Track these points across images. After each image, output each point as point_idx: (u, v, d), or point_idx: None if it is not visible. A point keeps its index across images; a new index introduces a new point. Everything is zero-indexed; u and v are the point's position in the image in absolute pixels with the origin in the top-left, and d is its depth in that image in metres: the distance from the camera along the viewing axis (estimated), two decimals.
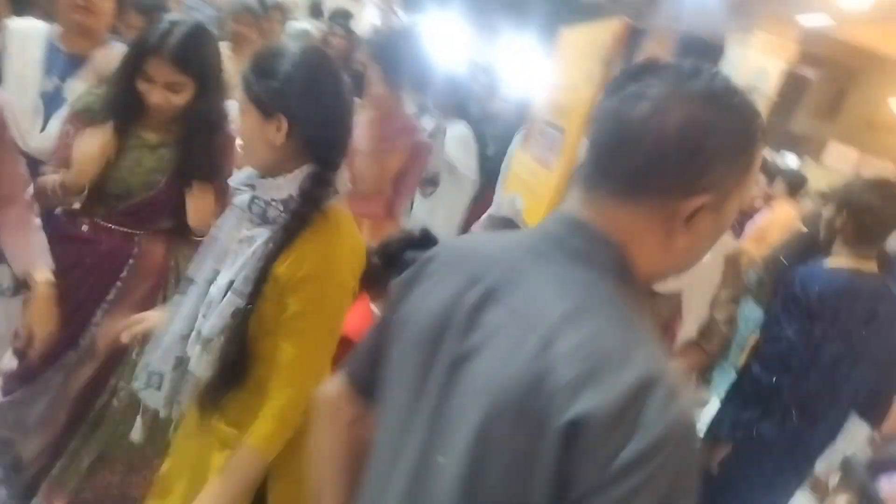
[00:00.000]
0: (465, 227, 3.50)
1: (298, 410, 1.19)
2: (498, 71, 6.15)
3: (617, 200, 0.79)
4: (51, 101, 2.15)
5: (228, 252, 1.29)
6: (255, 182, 1.27)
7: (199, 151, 1.67)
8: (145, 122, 1.71)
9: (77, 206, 1.70)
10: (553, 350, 0.72)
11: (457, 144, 3.57)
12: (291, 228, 1.21)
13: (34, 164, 2.00)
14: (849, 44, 10.21)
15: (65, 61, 2.17)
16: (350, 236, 1.28)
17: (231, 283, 1.24)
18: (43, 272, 1.61)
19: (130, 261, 1.71)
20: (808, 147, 11.18)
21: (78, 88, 2.08)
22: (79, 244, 1.72)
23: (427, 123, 3.46)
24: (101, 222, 1.72)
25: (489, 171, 3.51)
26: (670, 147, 0.74)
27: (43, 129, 2.13)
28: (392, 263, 1.61)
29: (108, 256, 1.70)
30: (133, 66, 1.59)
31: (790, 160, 11.44)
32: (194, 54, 1.59)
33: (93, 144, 1.59)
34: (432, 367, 0.84)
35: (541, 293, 0.77)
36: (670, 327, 2.04)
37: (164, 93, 1.61)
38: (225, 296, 1.24)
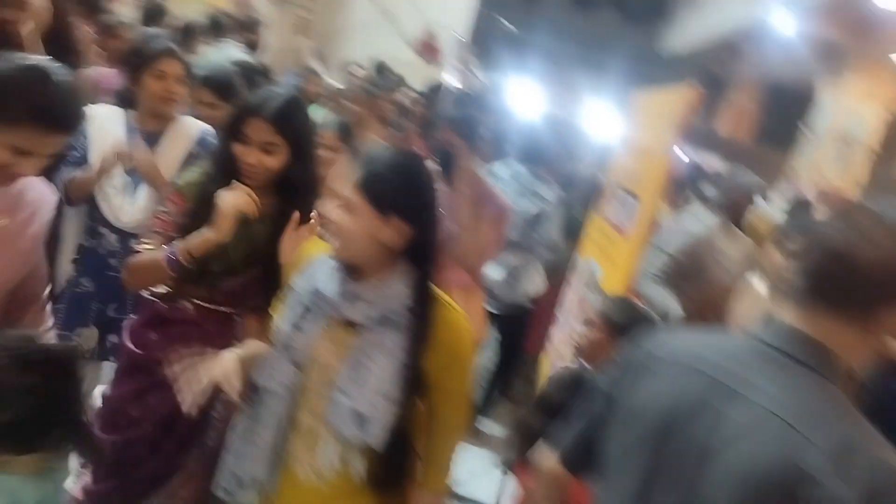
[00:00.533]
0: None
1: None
2: (576, 131, 6.18)
3: (832, 315, 0.98)
4: (133, 179, 2.35)
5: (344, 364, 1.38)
6: (359, 291, 1.36)
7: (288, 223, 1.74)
8: None
9: (169, 289, 1.72)
10: (810, 443, 0.90)
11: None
12: (425, 328, 1.37)
13: (125, 238, 2.16)
14: None
15: (144, 138, 2.38)
16: (455, 307, 1.45)
17: (379, 392, 1.33)
18: None
19: (234, 342, 1.68)
20: None
21: (160, 157, 2.29)
22: (186, 326, 1.76)
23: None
24: (203, 304, 1.76)
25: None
26: (892, 278, 0.94)
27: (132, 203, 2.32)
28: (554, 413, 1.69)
29: (216, 338, 1.68)
30: (233, 128, 1.70)
31: None
32: (291, 119, 1.70)
33: (236, 198, 1.64)
34: (667, 457, 1.00)
35: (784, 394, 0.96)
36: None
37: (259, 154, 1.68)
38: (373, 405, 1.33)
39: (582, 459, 1.25)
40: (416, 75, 10.43)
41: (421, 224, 1.36)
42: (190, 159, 2.33)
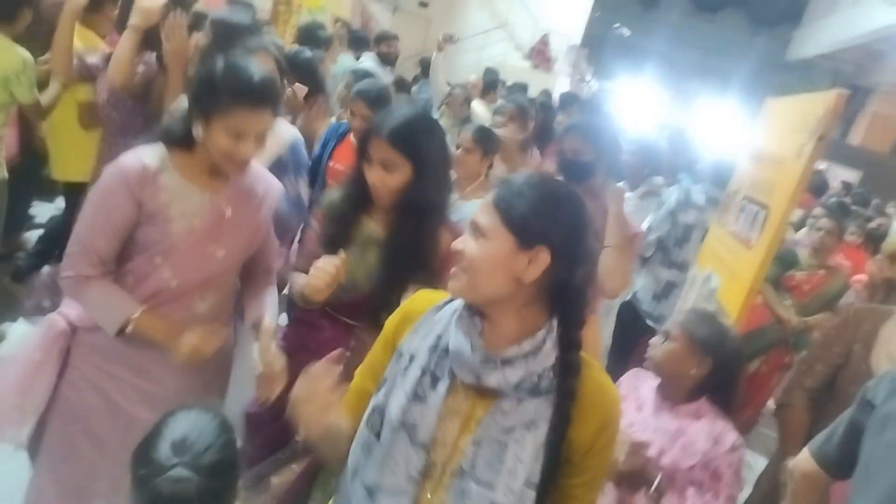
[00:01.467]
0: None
1: None
2: (694, 139, 5.93)
3: None
4: None
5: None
6: (503, 351, 1.07)
7: (408, 241, 1.67)
8: (371, 212, 1.77)
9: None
10: None
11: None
12: (573, 393, 1.08)
13: None
14: None
15: None
16: (596, 364, 1.17)
17: (521, 478, 1.07)
18: (268, 320, 1.74)
19: (347, 353, 1.62)
20: None
21: None
22: (306, 328, 1.83)
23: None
24: (328, 310, 1.79)
25: None
26: None
27: None
28: None
29: (329, 343, 1.66)
30: (361, 148, 1.71)
31: None
32: (410, 136, 1.64)
33: (329, 268, 1.63)
34: None
35: None
36: None
37: (380, 172, 1.66)
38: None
39: (840, 463, 1.37)
40: (530, 81, 10.41)
41: (566, 257, 1.05)
42: (279, 164, 2.30)
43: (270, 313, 1.76)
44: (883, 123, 14.30)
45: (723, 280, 2.41)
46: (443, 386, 1.11)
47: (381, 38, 5.67)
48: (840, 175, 11.45)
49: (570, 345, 1.09)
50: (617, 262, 2.08)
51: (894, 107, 14.20)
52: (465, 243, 1.09)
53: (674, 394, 1.73)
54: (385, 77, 5.40)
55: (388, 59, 5.56)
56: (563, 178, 2.27)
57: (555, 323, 1.09)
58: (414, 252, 1.67)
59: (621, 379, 1.91)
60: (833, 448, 1.43)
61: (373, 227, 1.75)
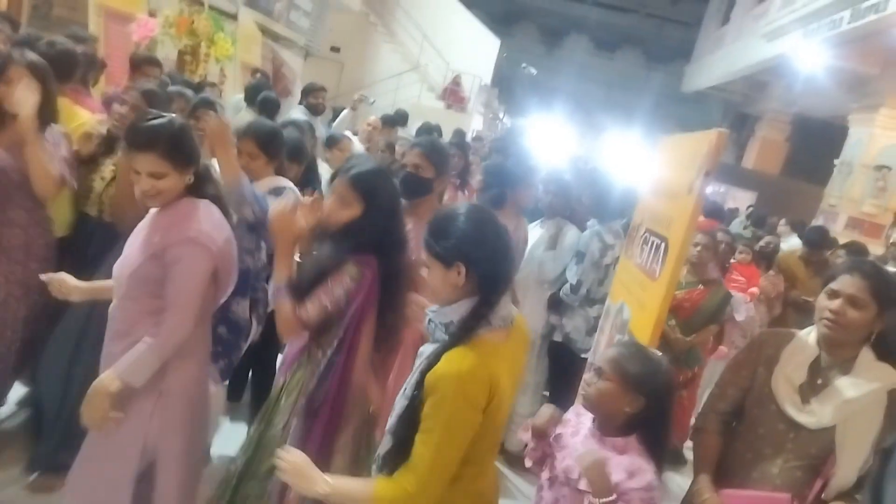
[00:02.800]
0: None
1: (413, 497, 1.42)
2: (601, 172, 6.21)
3: None
4: None
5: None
6: (435, 310, 1.56)
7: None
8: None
9: None
10: None
11: (565, 248, 3.59)
12: (443, 347, 1.47)
13: None
14: None
15: None
16: (484, 365, 1.45)
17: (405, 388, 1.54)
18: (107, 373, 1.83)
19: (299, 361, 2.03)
20: None
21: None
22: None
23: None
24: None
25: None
26: None
27: None
28: None
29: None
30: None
31: None
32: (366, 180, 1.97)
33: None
34: None
35: None
36: (820, 470, 1.79)
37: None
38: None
39: None
40: (445, 121, 10.65)
41: (478, 261, 1.51)
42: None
43: (120, 364, 1.80)
44: (771, 147, 15.49)
45: (633, 311, 2.50)
46: None
47: (309, 89, 5.73)
48: (738, 197, 12.28)
49: (469, 317, 1.48)
50: None
51: (780, 132, 15.42)
52: (425, 273, 1.56)
53: (606, 428, 1.75)
54: (317, 127, 5.42)
55: (316, 110, 5.63)
56: (403, 193, 2.36)
57: (468, 300, 1.50)
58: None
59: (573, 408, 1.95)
60: None
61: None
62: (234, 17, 8.00)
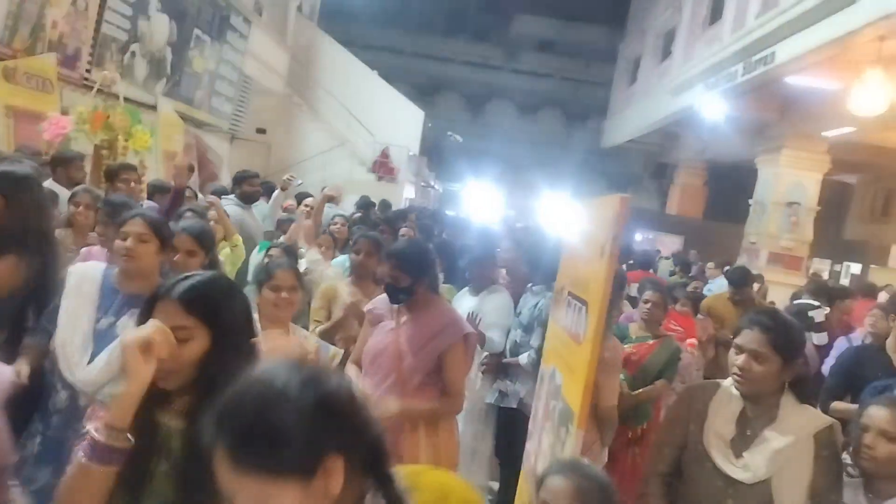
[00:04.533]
0: None
1: None
2: (528, 231, 6.36)
3: None
4: (102, 338, 2.29)
5: None
6: None
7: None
8: (167, 404, 1.42)
9: None
10: None
11: (496, 313, 3.60)
12: None
13: (75, 397, 2.10)
14: (881, 147, 10.20)
15: (121, 301, 2.35)
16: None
17: None
18: None
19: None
20: (870, 252, 10.79)
21: (130, 326, 2.24)
22: None
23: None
24: None
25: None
26: None
27: (90, 362, 2.26)
28: None
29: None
30: (143, 317, 1.42)
31: (853, 268, 11.04)
32: (205, 299, 1.42)
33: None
34: None
35: None
36: None
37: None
38: None
39: None
40: (374, 193, 10.74)
41: (357, 450, 0.98)
42: None
43: None
44: (691, 192, 16.28)
45: (564, 376, 2.49)
46: None
47: (242, 178, 5.45)
48: (666, 243, 12.76)
49: (385, 485, 1.01)
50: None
51: (697, 177, 16.25)
52: None
53: None
54: (253, 216, 5.32)
55: (251, 199, 5.41)
56: (390, 300, 2.61)
57: (368, 480, 1.01)
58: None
59: None
60: None
61: (173, 422, 1.40)
62: (152, 107, 7.95)
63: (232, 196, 5.52)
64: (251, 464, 0.89)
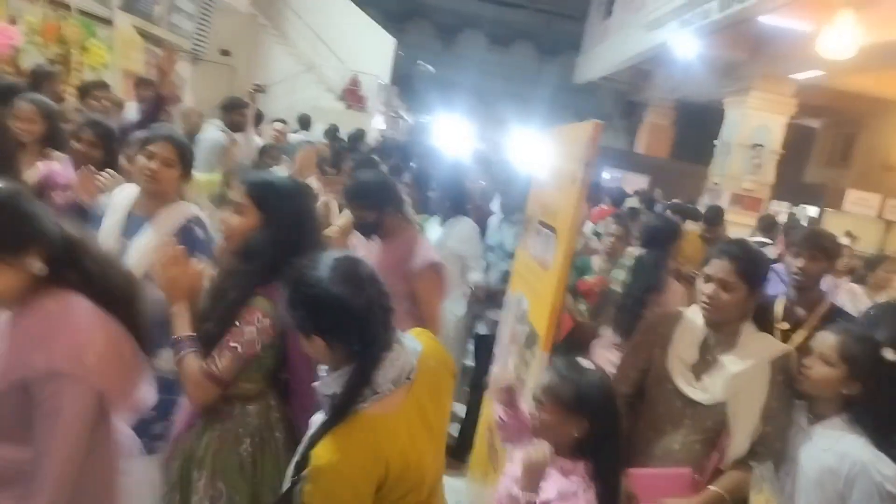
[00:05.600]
0: None
1: None
2: (501, 164, 6.35)
3: None
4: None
5: None
6: (320, 377, 1.39)
7: None
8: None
9: None
10: None
11: (465, 240, 3.64)
12: (324, 427, 1.30)
13: None
14: (846, 92, 10.34)
15: (135, 223, 2.30)
16: (367, 449, 1.29)
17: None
18: None
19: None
20: (827, 196, 11.09)
21: (139, 246, 2.21)
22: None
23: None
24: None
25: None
26: None
27: None
28: None
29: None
30: None
31: (810, 211, 11.36)
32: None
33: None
34: None
35: None
36: (717, 442, 1.90)
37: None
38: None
39: None
40: (343, 122, 10.50)
41: (336, 336, 1.35)
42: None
43: None
44: (659, 132, 16.35)
45: (531, 301, 2.56)
46: None
47: (232, 106, 5.35)
48: (633, 182, 12.88)
49: (350, 387, 1.32)
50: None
51: (666, 117, 16.29)
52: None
53: (560, 453, 1.70)
54: (241, 144, 5.18)
55: (238, 128, 5.28)
56: (363, 235, 2.75)
57: (346, 368, 1.34)
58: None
59: None
60: None
61: None
62: (108, 21, 7.53)
63: (217, 121, 5.37)
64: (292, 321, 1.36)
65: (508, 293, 3.05)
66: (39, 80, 4.33)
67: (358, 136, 9.04)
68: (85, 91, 4.58)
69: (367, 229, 2.68)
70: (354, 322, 1.31)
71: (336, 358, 1.34)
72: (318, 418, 1.39)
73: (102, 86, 4.67)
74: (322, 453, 1.25)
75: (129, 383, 1.48)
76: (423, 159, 6.87)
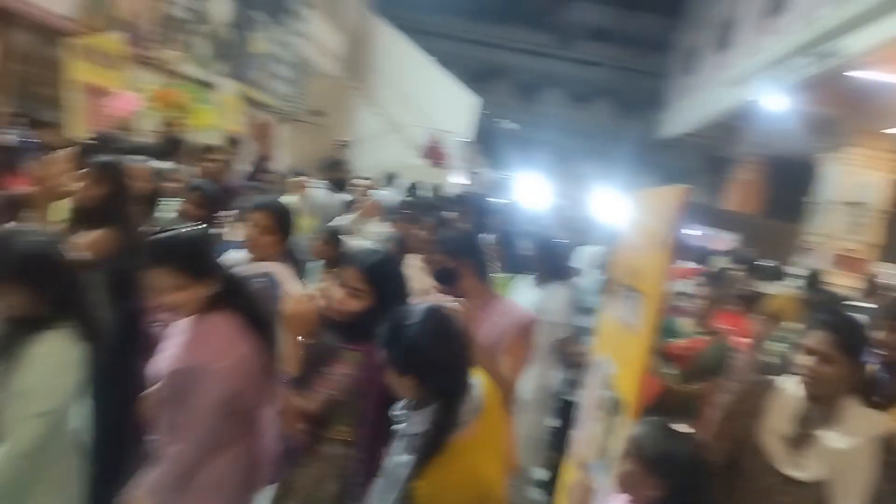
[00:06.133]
0: None
1: None
2: (585, 223, 6.30)
3: None
4: None
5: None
6: (402, 414, 1.53)
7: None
8: None
9: None
10: None
11: (562, 309, 3.65)
12: (423, 456, 1.45)
13: None
14: None
15: None
16: (467, 467, 1.45)
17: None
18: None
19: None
20: None
21: None
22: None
23: None
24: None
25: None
26: None
27: None
28: None
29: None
30: None
31: None
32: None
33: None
34: None
35: None
36: None
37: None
38: None
39: None
40: (428, 177, 10.79)
41: (428, 376, 1.52)
42: None
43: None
44: (749, 189, 15.79)
45: (618, 366, 2.50)
46: None
47: (334, 164, 5.82)
48: (721, 239, 12.42)
49: (438, 422, 1.47)
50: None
51: (755, 173, 15.75)
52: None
53: None
54: (333, 202, 5.51)
55: (340, 186, 5.69)
56: (440, 284, 2.72)
57: (433, 406, 1.49)
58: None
59: None
60: None
61: None
62: (213, 87, 8.18)
63: (322, 182, 5.72)
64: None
65: (593, 357, 2.99)
66: (173, 146, 4.81)
67: (436, 190, 9.29)
68: (197, 154, 4.99)
69: (444, 278, 2.70)
70: (445, 364, 1.49)
71: (424, 395, 1.50)
72: (400, 459, 1.51)
73: (213, 149, 5.06)
74: (426, 485, 1.40)
75: (263, 392, 1.84)
76: (503, 215, 6.92)
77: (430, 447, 1.44)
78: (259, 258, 2.53)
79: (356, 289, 1.90)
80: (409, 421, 1.51)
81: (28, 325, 1.67)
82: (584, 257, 4.48)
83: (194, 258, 1.77)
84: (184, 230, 1.80)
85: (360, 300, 1.90)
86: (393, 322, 1.52)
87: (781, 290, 5.89)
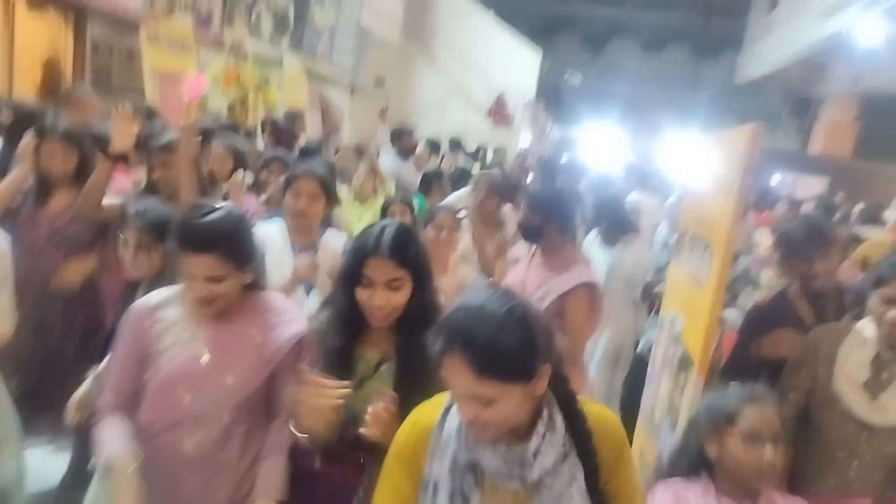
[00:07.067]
0: None
1: None
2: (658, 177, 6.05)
3: None
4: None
5: None
6: (508, 457, 1.23)
7: (421, 356, 1.37)
8: (365, 340, 1.66)
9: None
10: None
11: (638, 263, 3.61)
12: (588, 439, 1.25)
13: None
14: None
15: (296, 252, 2.61)
16: (591, 401, 1.35)
17: None
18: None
19: (361, 493, 1.58)
20: None
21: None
22: (312, 480, 1.70)
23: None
24: (332, 455, 1.65)
25: None
26: None
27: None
28: None
29: (341, 489, 1.64)
30: (352, 273, 1.60)
31: None
32: (408, 249, 1.60)
33: (325, 408, 1.51)
34: None
35: None
36: None
37: (386, 292, 1.58)
38: None
39: None
40: (493, 139, 10.68)
41: (555, 356, 1.22)
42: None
43: (264, 482, 1.70)
44: (839, 130, 14.67)
45: (685, 321, 2.40)
46: (475, 501, 1.25)
47: (400, 133, 5.91)
48: (808, 185, 11.66)
49: (567, 400, 1.25)
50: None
51: (847, 113, 14.60)
52: (476, 414, 1.17)
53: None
54: (407, 171, 5.59)
55: (408, 153, 5.80)
56: (523, 238, 2.83)
57: (549, 393, 1.24)
58: (427, 367, 1.33)
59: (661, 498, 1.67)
60: None
61: (370, 354, 1.65)
62: (278, 62, 8.31)
63: (391, 150, 5.81)
64: (493, 373, 1.13)
65: (662, 313, 2.88)
66: (291, 121, 5.13)
67: (499, 153, 9.24)
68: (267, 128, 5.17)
69: (530, 234, 2.75)
70: (556, 353, 1.27)
71: (538, 398, 1.29)
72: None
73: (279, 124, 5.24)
74: (604, 454, 1.26)
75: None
76: (570, 175, 6.76)
77: (584, 440, 1.25)
78: (306, 227, 2.56)
79: (395, 279, 1.58)
80: (531, 463, 1.21)
81: None
82: (657, 211, 4.32)
83: (240, 244, 1.66)
84: (223, 213, 1.66)
85: (404, 290, 1.60)
86: (489, 331, 1.14)
87: (879, 235, 5.48)
